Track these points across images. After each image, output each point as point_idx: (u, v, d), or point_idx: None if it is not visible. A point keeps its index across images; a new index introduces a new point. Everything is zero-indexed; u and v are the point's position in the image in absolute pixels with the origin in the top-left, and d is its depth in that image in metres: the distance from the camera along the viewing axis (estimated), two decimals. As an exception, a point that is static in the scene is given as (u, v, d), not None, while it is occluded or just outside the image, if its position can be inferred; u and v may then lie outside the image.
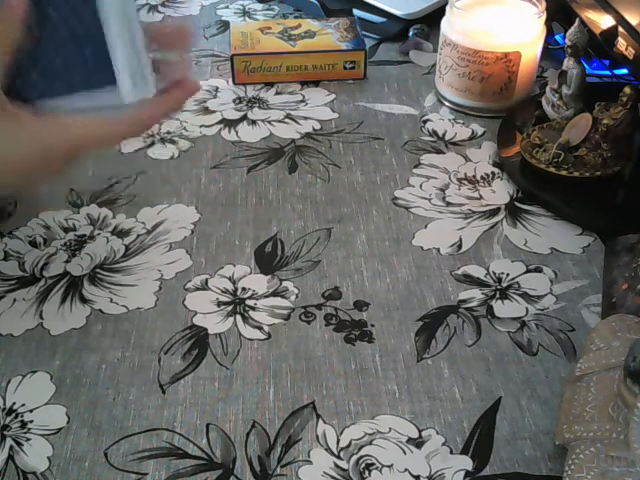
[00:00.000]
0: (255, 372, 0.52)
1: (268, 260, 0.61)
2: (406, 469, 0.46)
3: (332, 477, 0.45)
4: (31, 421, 0.48)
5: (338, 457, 0.46)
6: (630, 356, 0.41)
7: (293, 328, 0.55)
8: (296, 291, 0.58)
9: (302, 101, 0.80)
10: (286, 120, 0.77)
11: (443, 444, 0.47)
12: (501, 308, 0.56)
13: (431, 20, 0.88)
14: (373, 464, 0.46)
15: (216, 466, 0.46)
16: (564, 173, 0.65)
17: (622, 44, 0.66)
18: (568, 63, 0.71)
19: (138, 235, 0.63)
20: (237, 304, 0.57)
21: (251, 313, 0.56)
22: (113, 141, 0.48)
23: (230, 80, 0.83)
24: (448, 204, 0.66)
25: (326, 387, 0.51)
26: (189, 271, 0.60)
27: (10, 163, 0.41)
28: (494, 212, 0.65)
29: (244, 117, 0.78)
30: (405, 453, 0.47)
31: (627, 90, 0.65)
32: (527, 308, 0.56)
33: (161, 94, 0.45)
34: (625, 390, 0.41)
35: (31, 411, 0.49)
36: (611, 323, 0.48)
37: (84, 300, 0.57)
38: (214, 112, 0.78)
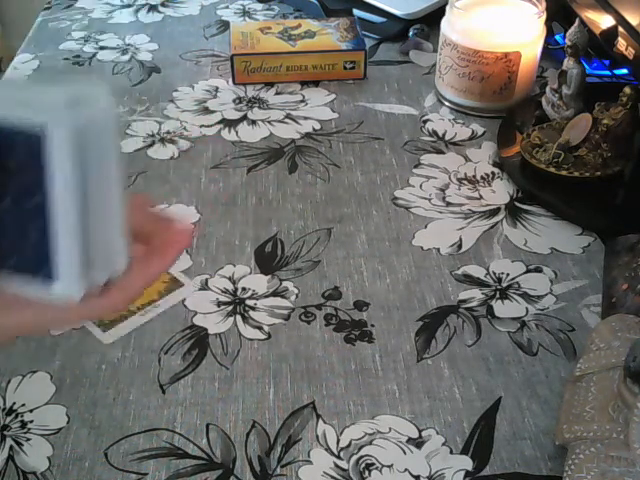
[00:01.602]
0: (255, 372, 0.52)
1: (268, 260, 0.61)
2: (406, 469, 0.46)
3: (332, 477, 0.45)
4: (31, 421, 0.48)
5: (338, 457, 0.46)
6: (630, 356, 0.41)
7: (293, 328, 0.55)
8: (296, 291, 0.58)
9: (302, 101, 0.80)
10: (286, 120, 0.77)
11: (443, 444, 0.47)
12: (501, 308, 0.56)
13: (431, 20, 0.88)
14: (373, 464, 0.46)
15: (216, 466, 0.46)
16: (564, 173, 0.65)
17: (622, 44, 0.66)
18: (568, 63, 0.71)
19: (138, 235, 0.63)
20: (237, 304, 0.57)
21: (251, 313, 0.56)
22: (55, 327, 0.41)
23: (230, 80, 0.83)
24: (448, 204, 0.66)
25: (326, 387, 0.51)
26: (189, 271, 0.60)
27: None
28: (494, 212, 0.65)
29: (244, 117, 0.78)
30: (405, 453, 0.47)
31: (627, 90, 0.65)
32: (527, 308, 0.56)
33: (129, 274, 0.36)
34: (625, 390, 0.41)
35: (31, 411, 0.49)
36: (611, 323, 0.48)
37: (84, 300, 0.57)
38: (214, 112, 0.78)
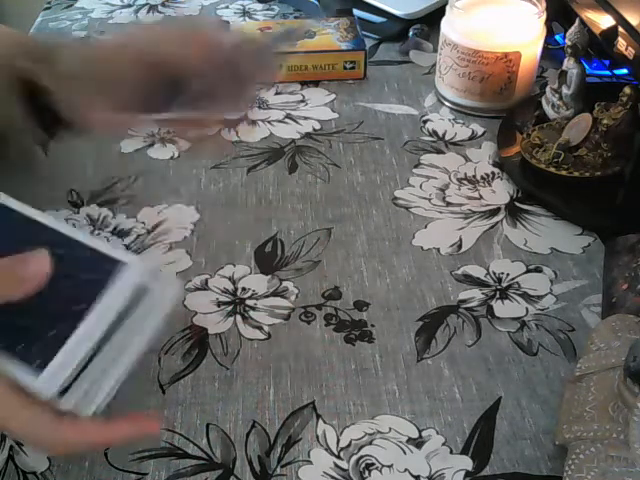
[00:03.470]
0: (255, 372, 0.52)
1: (268, 260, 0.61)
2: (406, 469, 0.46)
3: (332, 477, 0.45)
4: (31, 421, 0.48)
5: (338, 457, 0.46)
6: (630, 356, 0.41)
7: (293, 328, 0.55)
8: (296, 291, 0.58)
9: (302, 101, 0.80)
10: (286, 120, 0.77)
11: (443, 444, 0.47)
12: (501, 308, 0.56)
13: (431, 20, 0.88)
14: (373, 464, 0.46)
15: (216, 466, 0.46)
16: (564, 173, 0.65)
17: (622, 44, 0.66)
18: (568, 63, 0.71)
19: (138, 235, 0.63)
20: (237, 304, 0.57)
21: (251, 313, 0.56)
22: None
23: (230, 80, 0.83)
24: (448, 204, 0.66)
25: (326, 387, 0.51)
26: (189, 271, 0.60)
27: None
28: (494, 212, 0.65)
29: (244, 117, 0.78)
30: (405, 453, 0.47)
31: (627, 90, 0.65)
32: (527, 308, 0.56)
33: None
34: (625, 390, 0.41)
35: (31, 411, 0.49)
36: (611, 323, 0.48)
37: (84, 300, 0.57)
38: (214, 112, 0.78)
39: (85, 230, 0.39)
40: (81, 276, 0.37)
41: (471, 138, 0.74)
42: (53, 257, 0.36)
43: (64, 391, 0.36)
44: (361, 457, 0.46)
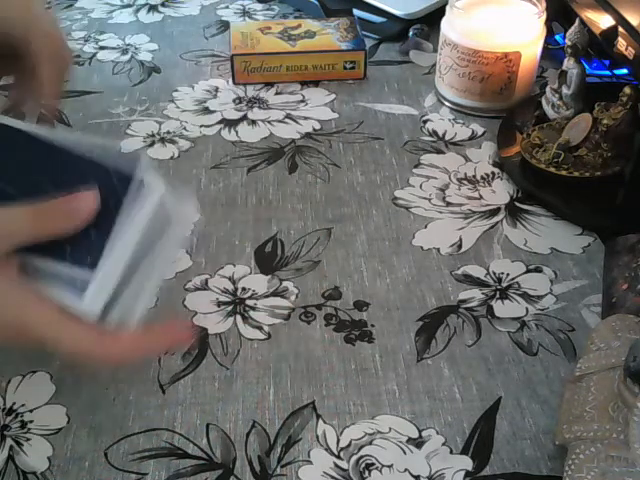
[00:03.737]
0: (255, 372, 0.52)
1: (268, 260, 0.61)
2: (406, 469, 0.46)
3: (332, 477, 0.45)
4: (31, 421, 0.48)
5: (338, 457, 0.46)
6: (630, 356, 0.41)
7: (293, 328, 0.55)
8: (296, 291, 0.58)
9: (302, 101, 0.80)
10: (286, 120, 0.77)
11: (443, 444, 0.47)
12: (501, 308, 0.56)
13: (431, 20, 0.88)
14: (373, 464, 0.46)
15: (216, 466, 0.46)
16: (564, 173, 0.65)
17: (622, 44, 0.66)
18: (568, 63, 0.71)
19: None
20: (237, 304, 0.57)
21: (251, 313, 0.56)
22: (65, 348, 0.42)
23: (230, 80, 0.83)
24: (448, 204, 0.66)
25: (326, 387, 0.51)
26: (189, 271, 0.60)
27: None
28: (494, 212, 0.65)
29: (244, 117, 0.78)
30: (405, 453, 0.47)
31: (627, 90, 0.65)
32: (527, 308, 0.56)
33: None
34: (625, 390, 0.41)
35: (31, 411, 0.49)
36: (611, 323, 0.48)
37: (84, 300, 0.57)
38: (214, 112, 0.78)
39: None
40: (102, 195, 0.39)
41: (471, 138, 0.74)
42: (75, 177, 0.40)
43: (107, 309, 0.39)
44: (361, 457, 0.46)
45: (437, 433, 0.48)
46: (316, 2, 0.93)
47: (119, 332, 0.41)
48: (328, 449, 0.47)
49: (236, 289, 0.58)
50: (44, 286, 0.39)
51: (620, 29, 0.66)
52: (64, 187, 0.39)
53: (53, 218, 0.39)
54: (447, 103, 0.79)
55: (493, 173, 0.70)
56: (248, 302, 0.57)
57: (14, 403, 0.50)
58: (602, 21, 0.69)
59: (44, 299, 0.39)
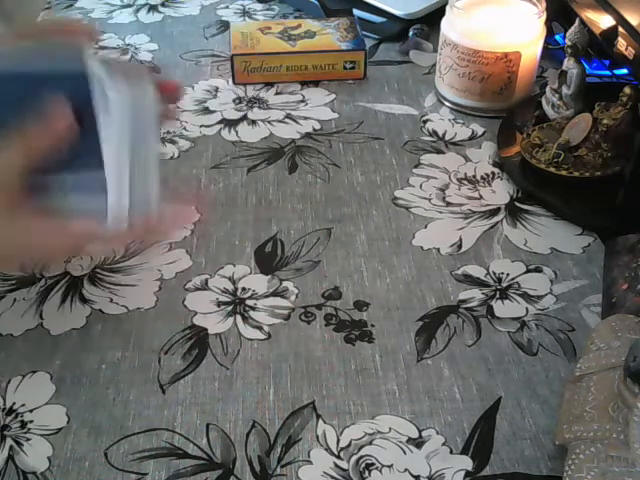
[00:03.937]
0: (255, 372, 0.52)
1: (268, 260, 0.61)
2: (406, 469, 0.46)
3: (332, 477, 0.45)
4: (31, 421, 0.48)
5: (338, 457, 0.46)
6: (630, 356, 0.41)
7: (293, 328, 0.55)
8: (296, 291, 0.58)
9: (302, 101, 0.80)
10: (286, 120, 0.77)
11: (443, 444, 0.47)
12: (501, 308, 0.56)
13: (431, 20, 0.88)
14: (373, 464, 0.46)
15: (216, 466, 0.46)
16: (564, 173, 0.65)
17: (622, 44, 0.66)
18: (568, 63, 0.71)
19: (138, 235, 0.63)
20: (237, 304, 0.57)
21: (251, 313, 0.56)
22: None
23: (230, 80, 0.83)
24: (448, 204, 0.66)
25: (326, 387, 0.51)
26: (189, 271, 0.60)
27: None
28: (494, 212, 0.65)
29: (244, 117, 0.78)
30: (405, 453, 0.47)
31: (627, 90, 0.65)
32: (527, 308, 0.56)
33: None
34: (625, 390, 0.41)
35: (31, 411, 0.49)
36: (611, 323, 0.48)
37: (84, 300, 0.57)
38: (214, 112, 0.78)
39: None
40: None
41: (471, 138, 0.74)
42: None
43: (130, 199, 0.42)
44: (361, 457, 0.46)
45: (437, 433, 0.48)
46: (316, 2, 0.93)
47: (147, 217, 0.44)
48: (328, 449, 0.47)
49: (236, 289, 0.58)
50: (67, 202, 0.41)
51: (620, 29, 0.66)
52: (28, 113, 0.40)
53: (37, 140, 0.41)
54: (447, 103, 0.79)
55: (493, 173, 0.70)
56: (248, 302, 0.57)
57: (14, 403, 0.50)
58: (602, 21, 0.69)
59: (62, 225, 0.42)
